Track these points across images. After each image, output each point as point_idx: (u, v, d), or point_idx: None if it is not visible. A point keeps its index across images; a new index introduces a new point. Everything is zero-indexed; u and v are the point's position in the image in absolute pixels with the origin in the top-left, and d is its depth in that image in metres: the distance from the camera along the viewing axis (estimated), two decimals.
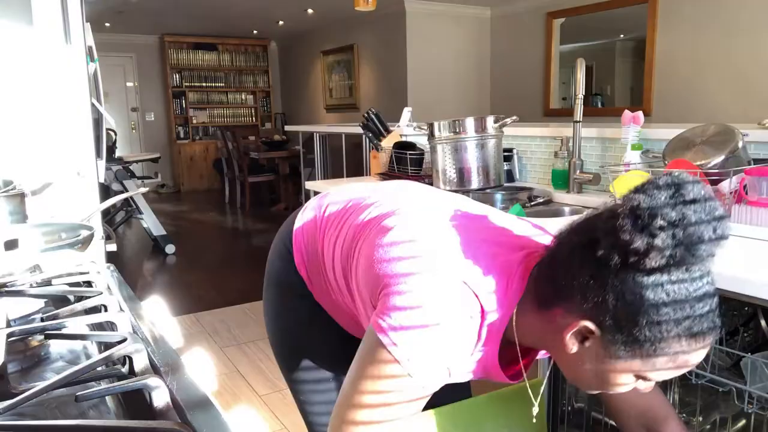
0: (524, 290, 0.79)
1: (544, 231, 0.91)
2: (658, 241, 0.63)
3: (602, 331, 0.69)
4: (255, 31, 8.87)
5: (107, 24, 7.64)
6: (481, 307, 0.76)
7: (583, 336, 0.71)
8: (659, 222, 0.63)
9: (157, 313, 3.64)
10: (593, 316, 0.69)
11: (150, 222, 5.17)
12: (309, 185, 2.46)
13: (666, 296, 0.65)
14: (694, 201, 0.64)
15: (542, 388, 0.95)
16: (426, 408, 1.11)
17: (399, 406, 0.78)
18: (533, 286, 0.78)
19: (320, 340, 1.10)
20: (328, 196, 1.10)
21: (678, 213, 0.63)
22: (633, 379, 0.72)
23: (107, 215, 5.33)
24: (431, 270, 0.77)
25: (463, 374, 0.84)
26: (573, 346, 0.72)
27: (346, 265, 0.95)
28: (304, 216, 1.10)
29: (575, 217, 0.77)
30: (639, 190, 0.66)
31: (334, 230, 1.01)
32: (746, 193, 1.27)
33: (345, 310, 1.03)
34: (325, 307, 1.07)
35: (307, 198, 1.34)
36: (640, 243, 0.63)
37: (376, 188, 1.06)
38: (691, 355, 0.69)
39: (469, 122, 1.89)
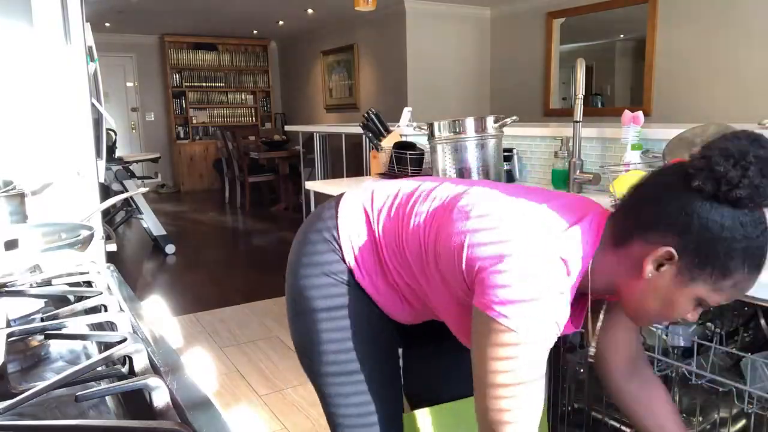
0: (600, 239, 0.88)
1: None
2: (750, 173, 0.74)
3: (681, 256, 0.80)
4: (255, 31, 8.87)
5: (107, 24, 7.64)
6: (568, 270, 0.85)
7: (660, 263, 0.82)
8: (750, 158, 0.74)
9: (157, 313, 3.64)
10: (676, 243, 0.80)
11: (150, 222, 5.17)
12: (309, 185, 2.46)
13: (743, 229, 0.77)
14: None
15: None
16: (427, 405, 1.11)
17: (529, 370, 0.84)
18: (609, 230, 0.88)
19: (362, 325, 1.10)
20: (372, 187, 1.13)
21: (766, 152, 0.74)
22: (693, 304, 0.83)
23: (107, 215, 5.33)
24: (524, 249, 0.84)
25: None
26: (649, 273, 0.82)
27: (421, 248, 0.99)
28: (348, 204, 1.11)
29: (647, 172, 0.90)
30: (722, 139, 0.78)
31: (397, 215, 1.05)
32: None
33: (403, 294, 1.06)
34: (373, 291, 1.09)
35: (307, 198, 1.35)
36: (733, 173, 0.74)
37: (420, 181, 1.11)
38: (749, 283, 0.81)
39: (469, 122, 1.89)
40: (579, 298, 0.92)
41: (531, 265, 0.82)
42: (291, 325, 1.15)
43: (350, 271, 1.08)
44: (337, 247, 1.08)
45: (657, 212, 0.82)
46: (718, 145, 0.77)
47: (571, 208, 0.91)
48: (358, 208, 1.09)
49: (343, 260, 1.08)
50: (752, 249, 0.78)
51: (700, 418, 1.46)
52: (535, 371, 0.84)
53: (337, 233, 1.08)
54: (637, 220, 0.85)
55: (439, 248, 0.95)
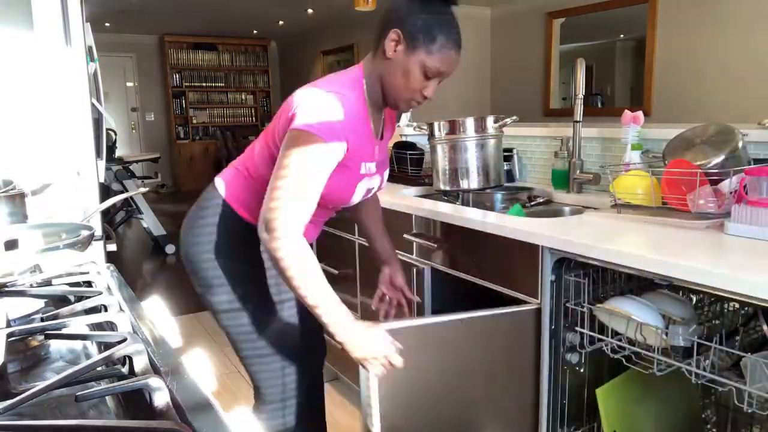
0: (362, 64, 1.33)
1: None
2: None
3: (404, 33, 1.20)
4: (255, 31, 8.87)
5: (107, 24, 7.64)
6: (343, 92, 1.22)
7: (396, 43, 1.21)
8: None
9: (157, 313, 3.64)
10: (400, 27, 1.21)
11: (150, 222, 5.17)
12: None
13: (437, 16, 1.22)
14: None
15: None
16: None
17: (304, 162, 1.15)
18: (368, 55, 1.33)
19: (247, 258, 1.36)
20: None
21: None
22: (419, 68, 1.22)
23: (107, 215, 5.33)
24: (313, 93, 1.23)
25: (361, 148, 1.27)
26: (390, 51, 1.22)
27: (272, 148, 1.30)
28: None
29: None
30: None
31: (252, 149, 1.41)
32: (746, 193, 1.27)
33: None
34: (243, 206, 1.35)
35: None
36: None
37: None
38: (448, 52, 1.22)
39: (469, 122, 1.89)
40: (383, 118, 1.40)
41: (312, 101, 1.20)
42: None
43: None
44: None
45: (387, 18, 1.24)
46: None
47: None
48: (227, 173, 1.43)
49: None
50: (443, 21, 1.21)
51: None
52: (308, 165, 1.15)
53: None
54: (378, 30, 1.25)
55: (280, 136, 1.25)
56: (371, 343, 1.16)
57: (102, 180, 1.66)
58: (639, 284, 1.44)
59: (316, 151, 1.15)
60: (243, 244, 1.34)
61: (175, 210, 7.49)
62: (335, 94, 1.20)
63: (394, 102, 1.29)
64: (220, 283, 1.33)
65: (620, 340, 1.32)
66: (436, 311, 1.77)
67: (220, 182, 1.40)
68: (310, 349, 1.45)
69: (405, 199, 1.96)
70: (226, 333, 1.39)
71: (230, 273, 1.33)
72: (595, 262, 1.27)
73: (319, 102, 1.19)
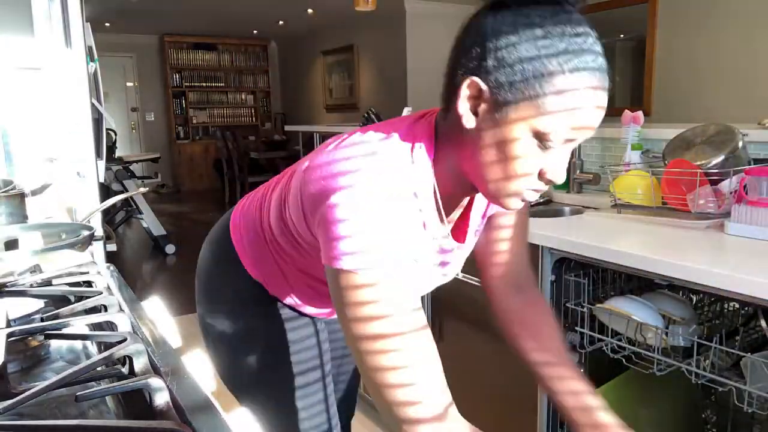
0: (432, 134, 0.80)
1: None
2: None
3: (487, 81, 0.69)
4: (255, 31, 8.87)
5: (107, 24, 7.64)
6: (404, 187, 0.74)
7: (474, 105, 0.71)
8: None
9: (157, 313, 3.64)
10: (477, 71, 0.70)
11: (150, 222, 5.17)
12: None
13: (541, 30, 0.67)
14: None
15: None
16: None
17: (397, 313, 0.70)
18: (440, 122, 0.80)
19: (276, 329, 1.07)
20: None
21: None
22: (530, 136, 0.69)
23: (107, 215, 5.33)
24: (354, 186, 0.71)
25: (426, 256, 0.86)
26: (469, 121, 0.72)
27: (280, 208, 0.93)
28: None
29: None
30: None
31: (264, 196, 1.01)
32: (746, 193, 1.27)
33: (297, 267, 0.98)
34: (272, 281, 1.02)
35: None
36: None
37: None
38: (582, 95, 0.67)
39: None
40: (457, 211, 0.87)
41: (354, 203, 0.70)
42: None
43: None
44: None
45: (455, 56, 0.75)
46: None
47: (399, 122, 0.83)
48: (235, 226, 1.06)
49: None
50: (563, 49, 0.66)
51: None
52: (405, 316, 0.71)
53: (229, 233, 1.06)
54: (447, 80, 0.77)
55: (289, 213, 0.89)
56: None
57: (102, 180, 1.66)
58: (639, 284, 1.44)
59: (384, 291, 0.70)
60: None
61: (175, 210, 7.49)
62: (397, 203, 0.72)
63: (494, 196, 0.77)
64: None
65: (620, 340, 1.32)
66: (435, 311, 1.77)
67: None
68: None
69: None
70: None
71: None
72: (595, 262, 1.27)
73: (374, 222, 0.70)
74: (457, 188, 0.81)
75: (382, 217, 0.70)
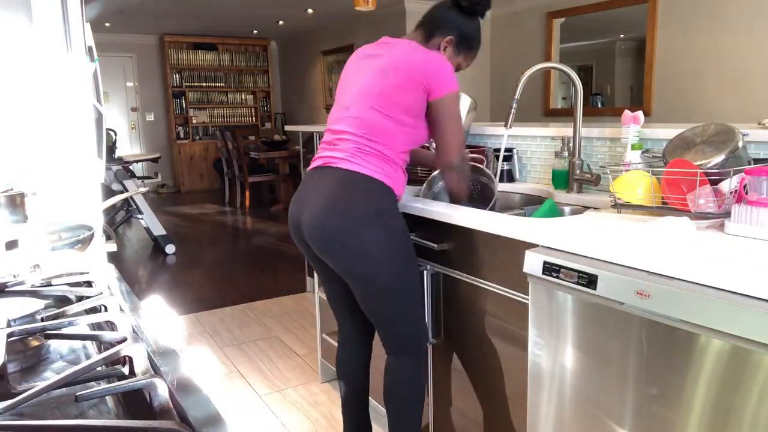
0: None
1: None
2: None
3: (455, 40, 1.68)
4: (255, 31, 8.87)
5: (107, 24, 7.64)
6: None
7: (446, 45, 1.68)
8: None
9: (157, 313, 3.64)
10: (454, 35, 1.68)
11: (150, 222, 5.17)
12: None
13: (475, 27, 1.72)
14: None
15: None
16: None
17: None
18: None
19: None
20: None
21: None
22: (454, 65, 1.69)
23: (107, 215, 5.33)
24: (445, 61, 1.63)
25: None
26: (442, 48, 1.68)
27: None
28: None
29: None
30: None
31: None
32: (746, 193, 1.27)
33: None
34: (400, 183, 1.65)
35: None
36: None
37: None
38: (475, 58, 1.77)
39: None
40: None
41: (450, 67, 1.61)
42: None
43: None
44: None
45: (441, 22, 1.67)
46: None
47: None
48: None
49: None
50: (478, 37, 1.72)
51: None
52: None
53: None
54: (429, 26, 1.69)
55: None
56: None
57: (102, 180, 1.66)
58: None
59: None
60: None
61: (175, 210, 7.50)
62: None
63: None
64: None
65: None
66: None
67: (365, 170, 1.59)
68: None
69: (404, 199, 1.96)
70: (378, 291, 1.53)
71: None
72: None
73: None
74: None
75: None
